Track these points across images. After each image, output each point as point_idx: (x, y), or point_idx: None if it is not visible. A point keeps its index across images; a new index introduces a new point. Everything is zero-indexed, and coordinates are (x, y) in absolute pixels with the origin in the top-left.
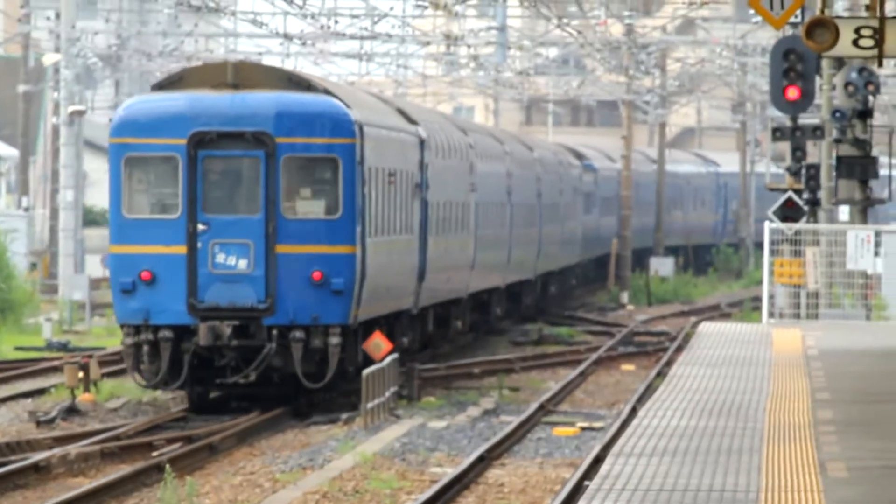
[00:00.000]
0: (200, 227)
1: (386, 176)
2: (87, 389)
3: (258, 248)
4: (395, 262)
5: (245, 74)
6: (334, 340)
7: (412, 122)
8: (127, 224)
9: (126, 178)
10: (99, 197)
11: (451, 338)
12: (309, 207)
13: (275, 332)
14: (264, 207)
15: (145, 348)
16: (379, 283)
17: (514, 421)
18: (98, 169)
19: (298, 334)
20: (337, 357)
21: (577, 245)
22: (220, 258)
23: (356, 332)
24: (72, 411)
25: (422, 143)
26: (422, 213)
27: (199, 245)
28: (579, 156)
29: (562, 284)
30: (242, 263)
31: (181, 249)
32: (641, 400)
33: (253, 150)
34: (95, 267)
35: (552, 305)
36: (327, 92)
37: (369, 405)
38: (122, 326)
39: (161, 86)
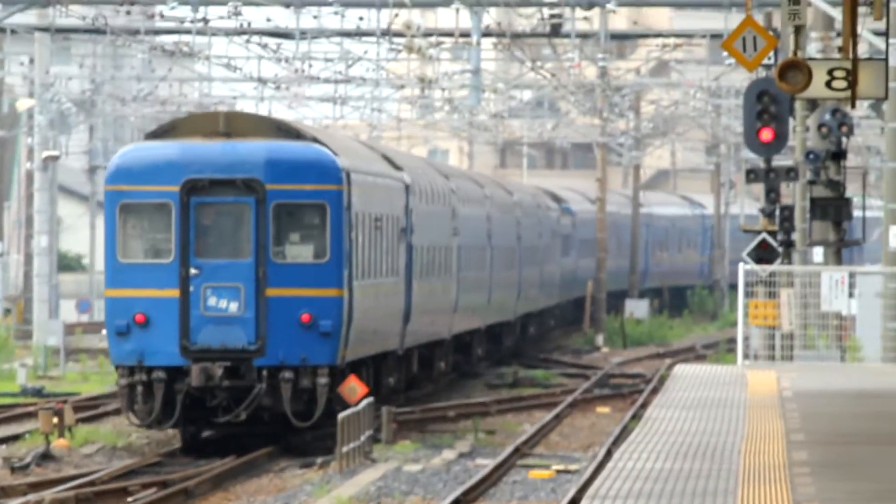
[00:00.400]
0: (193, 271)
1: (372, 221)
2: (61, 435)
3: (248, 292)
4: (382, 304)
5: (236, 123)
6: (322, 381)
7: (397, 167)
8: (122, 268)
9: (121, 224)
10: (73, 242)
11: (435, 378)
12: (298, 252)
13: (265, 372)
14: (254, 252)
15: (139, 388)
16: (366, 325)
17: (489, 464)
18: (72, 214)
19: (288, 375)
20: (325, 396)
21: (555, 287)
22: (212, 301)
23: (343, 373)
24: (46, 457)
25: (407, 188)
26: (407, 256)
27: (192, 288)
28: (557, 199)
29: (540, 325)
30: (233, 306)
31: (174, 293)
32: (617, 442)
33: (244, 196)
34: (70, 312)
35: (528, 348)
36: (315, 140)
37: (345, 449)
38: (116, 367)
39: (154, 134)
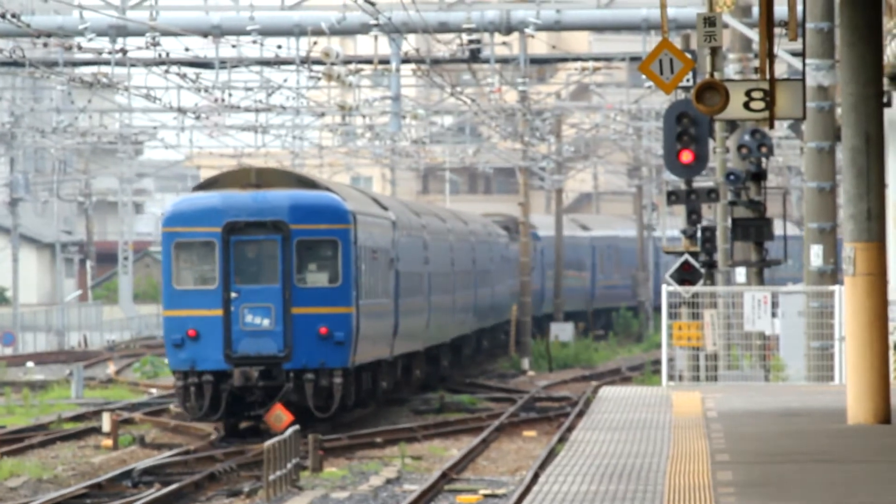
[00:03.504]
0: (233, 294)
1: (371, 252)
2: None
3: (278, 310)
4: (379, 319)
5: (265, 177)
6: (338, 380)
7: (384, 208)
8: (176, 294)
9: (175, 259)
10: None
11: (412, 383)
12: (316, 278)
13: (291, 374)
14: (282, 279)
15: (192, 389)
16: (368, 336)
17: (416, 490)
18: None
19: (310, 376)
20: (340, 393)
21: (508, 303)
22: (249, 318)
23: (355, 374)
24: None
25: (393, 224)
26: (395, 281)
27: (233, 309)
28: (506, 227)
29: (493, 337)
30: (266, 322)
31: (218, 312)
32: (543, 466)
33: (272, 234)
34: None
35: (455, 374)
36: (328, 189)
37: (271, 477)
38: (173, 372)
39: (200, 186)
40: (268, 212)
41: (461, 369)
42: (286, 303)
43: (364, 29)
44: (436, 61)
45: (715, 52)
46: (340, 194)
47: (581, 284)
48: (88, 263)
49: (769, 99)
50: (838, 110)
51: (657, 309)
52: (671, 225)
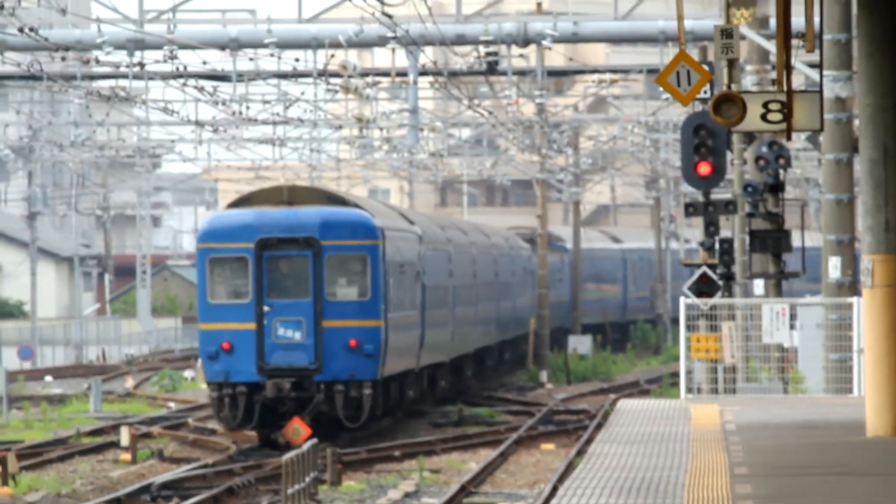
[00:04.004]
0: (266, 308)
1: (398, 267)
2: (5, 483)
3: (309, 324)
4: (406, 332)
5: (296, 194)
6: (367, 391)
7: (411, 222)
8: (211, 307)
9: (209, 274)
10: (14, 289)
11: (437, 393)
12: (346, 292)
13: (322, 385)
14: (313, 293)
15: (226, 400)
16: (396, 348)
17: (435, 503)
18: (12, 261)
19: (340, 387)
20: (369, 403)
21: (531, 314)
22: (281, 331)
23: (383, 385)
24: None
25: (420, 238)
26: (421, 294)
27: (265, 322)
28: (530, 240)
29: (516, 349)
30: (297, 335)
31: (252, 325)
32: (562, 479)
33: (304, 250)
34: (12, 359)
35: (472, 386)
36: (357, 206)
37: (290, 491)
38: (208, 384)
39: (234, 204)
40: (299, 228)
41: (484, 381)
42: (317, 316)
43: (381, 42)
44: (453, 74)
45: (732, 63)
46: (369, 210)
47: (613, 296)
48: (107, 277)
49: (787, 110)
50: (856, 122)
51: (675, 321)
52: (689, 237)
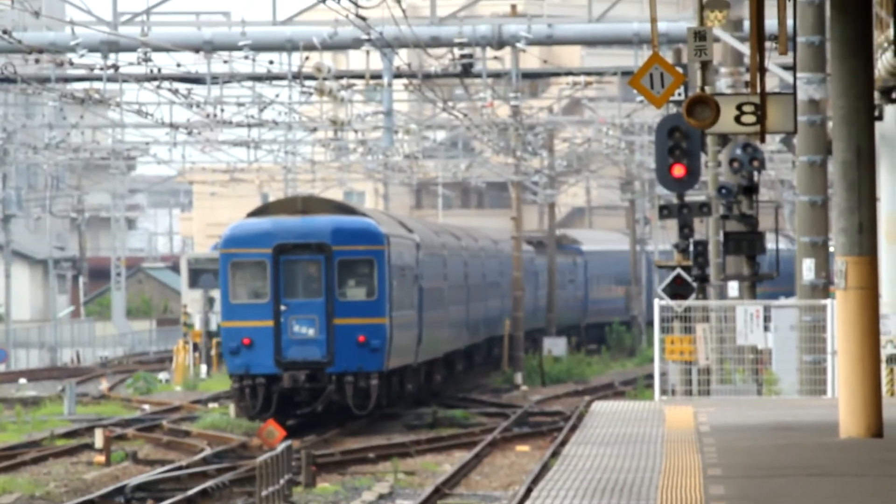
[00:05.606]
0: (282, 307)
1: (400, 270)
2: None
3: (321, 321)
4: (407, 329)
5: (309, 204)
6: (374, 382)
7: (410, 230)
8: (232, 307)
9: (231, 277)
10: None
11: (433, 386)
12: (355, 293)
13: (334, 377)
14: (325, 293)
15: (246, 391)
16: (399, 343)
17: None
18: None
19: (350, 379)
20: (376, 393)
21: (528, 315)
22: (296, 328)
23: (388, 376)
24: None
25: (417, 245)
26: (419, 295)
27: (282, 320)
28: (535, 242)
29: (500, 342)
30: (311, 331)
31: (270, 323)
32: (536, 481)
33: (317, 255)
34: None
35: (447, 388)
36: (365, 215)
37: (264, 493)
38: (230, 376)
39: (253, 213)
40: (312, 235)
41: (476, 377)
42: (329, 314)
43: (356, 44)
44: (428, 76)
45: (706, 66)
46: (375, 219)
47: (619, 298)
48: (81, 279)
49: (760, 113)
50: (829, 124)
51: (650, 323)
52: (663, 239)
